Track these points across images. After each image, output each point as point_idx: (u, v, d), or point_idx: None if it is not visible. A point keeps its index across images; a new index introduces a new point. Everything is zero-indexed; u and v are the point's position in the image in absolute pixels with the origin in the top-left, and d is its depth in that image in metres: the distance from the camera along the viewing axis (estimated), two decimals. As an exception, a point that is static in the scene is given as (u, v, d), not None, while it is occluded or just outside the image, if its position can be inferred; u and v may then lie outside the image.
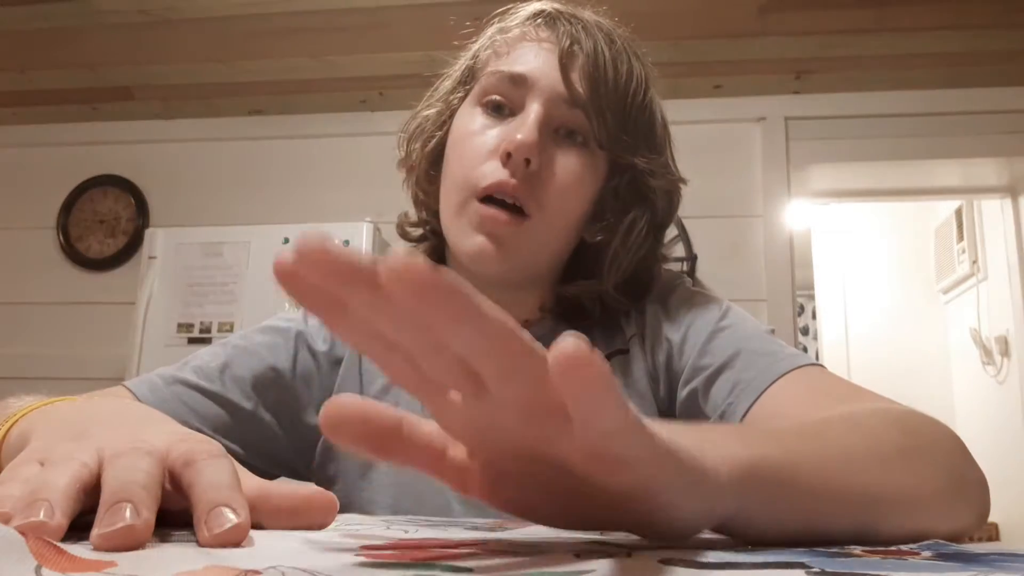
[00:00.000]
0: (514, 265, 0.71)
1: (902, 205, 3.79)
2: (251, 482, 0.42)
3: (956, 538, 0.41)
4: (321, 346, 0.79)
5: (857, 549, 0.34)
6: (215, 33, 2.49)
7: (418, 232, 0.83)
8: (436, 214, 0.77)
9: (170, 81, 2.73)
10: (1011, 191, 2.89)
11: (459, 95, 0.78)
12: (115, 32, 2.50)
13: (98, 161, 2.93)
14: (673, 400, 0.74)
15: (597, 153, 0.73)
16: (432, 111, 0.80)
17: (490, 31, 0.78)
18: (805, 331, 4.82)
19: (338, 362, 0.80)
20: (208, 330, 2.28)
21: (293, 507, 0.41)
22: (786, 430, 0.44)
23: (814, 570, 0.28)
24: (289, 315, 0.82)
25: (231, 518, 0.33)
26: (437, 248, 0.81)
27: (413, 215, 0.84)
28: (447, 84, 0.80)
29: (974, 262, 3.38)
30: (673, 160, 0.79)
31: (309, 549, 0.33)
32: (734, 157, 2.65)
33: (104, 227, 2.88)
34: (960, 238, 3.52)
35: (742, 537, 0.37)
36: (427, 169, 0.79)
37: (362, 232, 2.30)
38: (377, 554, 0.31)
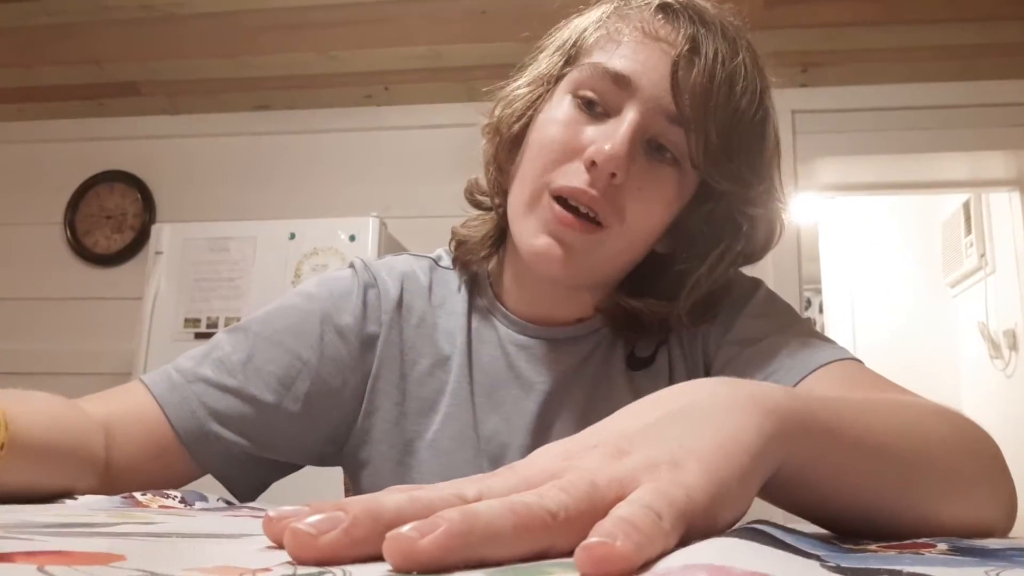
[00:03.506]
0: (578, 273, 0.67)
1: (909, 198, 3.77)
2: None
3: (978, 534, 0.41)
4: (351, 324, 0.75)
5: (873, 544, 0.34)
6: (221, 28, 2.49)
7: (488, 203, 0.78)
8: (506, 195, 0.72)
9: (176, 76, 2.74)
10: (1019, 184, 2.87)
11: (555, 75, 0.71)
12: (121, 28, 2.50)
13: (105, 157, 2.94)
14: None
15: (689, 172, 0.67)
16: (525, 89, 0.73)
17: (605, 7, 0.71)
18: (812, 325, 4.81)
19: (371, 341, 0.75)
20: (215, 325, 2.29)
21: None
22: (831, 396, 0.43)
23: (829, 564, 0.28)
24: (313, 288, 0.77)
25: None
26: (501, 228, 0.76)
27: (483, 183, 0.78)
28: (548, 58, 0.73)
29: (982, 255, 3.36)
30: (780, 182, 0.72)
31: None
32: (741, 151, 2.63)
33: (111, 222, 2.88)
34: (968, 231, 3.50)
35: (782, 499, 0.36)
36: (509, 148, 0.73)
37: (368, 227, 2.29)
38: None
